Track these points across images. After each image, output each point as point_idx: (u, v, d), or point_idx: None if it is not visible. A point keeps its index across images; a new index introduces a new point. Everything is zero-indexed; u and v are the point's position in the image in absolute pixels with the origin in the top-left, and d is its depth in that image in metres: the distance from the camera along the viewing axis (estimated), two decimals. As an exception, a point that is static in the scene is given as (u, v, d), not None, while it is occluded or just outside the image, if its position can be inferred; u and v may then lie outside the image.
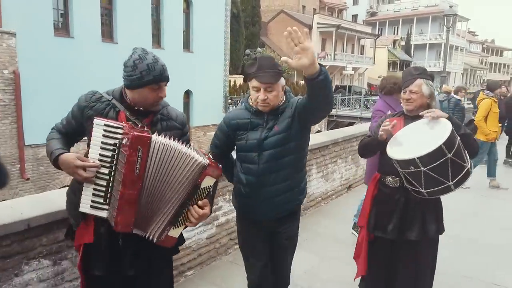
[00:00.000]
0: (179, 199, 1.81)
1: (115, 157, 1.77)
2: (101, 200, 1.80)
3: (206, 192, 1.85)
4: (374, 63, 41.10)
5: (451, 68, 47.98)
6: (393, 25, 53.49)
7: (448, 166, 2.22)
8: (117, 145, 1.76)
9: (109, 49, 14.36)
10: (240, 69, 25.17)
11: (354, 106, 24.53)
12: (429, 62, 48.99)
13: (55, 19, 13.14)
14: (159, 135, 1.78)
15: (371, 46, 42.01)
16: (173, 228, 1.85)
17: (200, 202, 1.84)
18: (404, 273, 2.60)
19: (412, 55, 48.74)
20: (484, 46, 68.29)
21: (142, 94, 1.86)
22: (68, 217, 2.00)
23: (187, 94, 18.16)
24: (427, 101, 2.52)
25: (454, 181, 2.26)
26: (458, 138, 2.27)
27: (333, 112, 23.68)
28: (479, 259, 3.98)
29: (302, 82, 27.42)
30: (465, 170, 2.28)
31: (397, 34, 51.32)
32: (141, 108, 1.90)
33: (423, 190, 2.32)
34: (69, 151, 1.91)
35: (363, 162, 6.72)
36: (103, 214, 1.81)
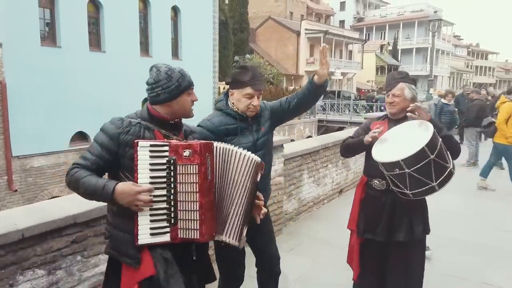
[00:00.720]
0: (245, 198, 1.88)
1: (171, 174, 1.76)
2: (164, 224, 1.76)
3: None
4: (362, 68, 41.55)
5: (438, 72, 48.71)
6: (380, 30, 54.22)
7: (431, 167, 2.29)
8: (171, 161, 1.75)
9: (97, 58, 14.30)
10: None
11: (344, 111, 24.76)
12: (416, 66, 49.73)
13: (42, 29, 13.03)
14: None
15: (359, 51, 42.46)
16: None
17: (257, 200, 1.96)
18: (394, 274, 2.65)
19: (399, 59, 49.40)
20: (469, 50, 69.47)
21: (181, 102, 1.89)
22: (115, 258, 1.86)
23: (177, 101, 18.10)
24: (410, 104, 2.59)
25: (438, 181, 2.33)
26: (440, 140, 2.35)
27: (323, 117, 23.92)
28: (469, 259, 4.04)
29: (291, 87, 27.56)
30: (448, 170, 2.35)
31: (384, 39, 52.03)
32: (175, 120, 1.93)
33: (408, 192, 2.39)
34: None
35: (353, 166, 6.79)
36: (166, 238, 1.77)
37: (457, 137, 11.21)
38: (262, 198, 2.04)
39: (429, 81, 16.99)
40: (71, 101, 13.40)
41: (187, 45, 18.16)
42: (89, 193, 1.76)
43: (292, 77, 35.15)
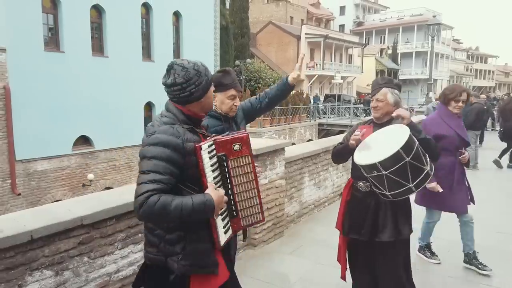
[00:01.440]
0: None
1: (226, 171, 1.84)
2: (229, 219, 1.90)
3: None
4: (362, 72, 41.62)
5: (437, 75, 48.77)
6: (379, 34, 54.36)
7: (407, 169, 2.37)
8: (223, 158, 1.83)
9: (99, 63, 14.42)
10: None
11: (344, 115, 24.85)
12: (415, 70, 49.81)
13: (45, 34, 13.17)
14: None
15: (358, 55, 42.57)
16: None
17: None
18: (382, 273, 2.74)
19: (399, 63, 49.46)
20: (469, 53, 69.58)
21: (209, 95, 1.88)
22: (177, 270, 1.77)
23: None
24: (393, 109, 2.67)
25: (415, 183, 2.41)
26: (417, 142, 2.43)
27: (324, 120, 23.98)
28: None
29: (293, 92, 27.69)
30: (425, 172, 2.43)
31: (383, 43, 52.16)
32: (207, 114, 2.04)
33: (387, 193, 2.47)
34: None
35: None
36: (231, 232, 1.91)
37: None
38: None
39: (428, 85, 17.08)
40: (74, 105, 13.51)
41: (188, 49, 18.25)
42: (186, 215, 1.62)
43: (293, 81, 35.15)
